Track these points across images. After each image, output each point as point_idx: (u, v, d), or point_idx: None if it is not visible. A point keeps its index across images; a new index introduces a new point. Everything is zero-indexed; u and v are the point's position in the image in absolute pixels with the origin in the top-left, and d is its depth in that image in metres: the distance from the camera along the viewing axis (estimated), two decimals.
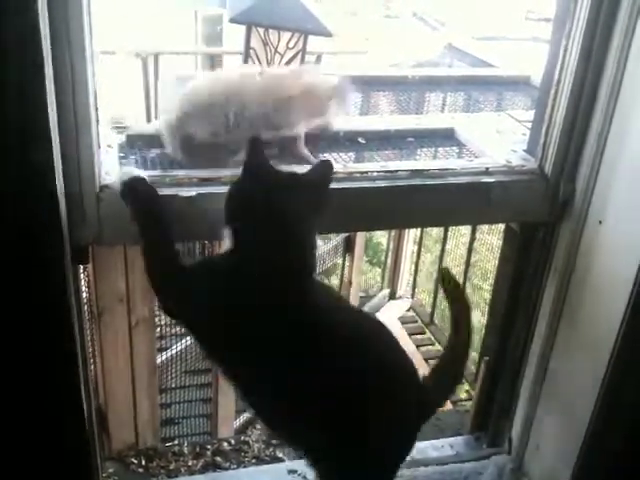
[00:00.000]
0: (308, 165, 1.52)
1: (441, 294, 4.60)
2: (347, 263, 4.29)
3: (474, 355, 4.10)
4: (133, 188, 1.42)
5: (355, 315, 1.50)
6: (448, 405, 3.77)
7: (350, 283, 4.13)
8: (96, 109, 1.41)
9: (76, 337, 1.47)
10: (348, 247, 4.16)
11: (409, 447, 1.47)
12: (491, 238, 4.14)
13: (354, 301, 4.22)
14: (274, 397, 1.34)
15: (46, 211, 1.29)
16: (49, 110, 1.24)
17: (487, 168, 1.73)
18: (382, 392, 1.36)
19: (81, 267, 1.68)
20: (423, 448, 2.16)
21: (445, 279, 1.55)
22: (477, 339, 4.36)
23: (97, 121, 1.43)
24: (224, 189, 1.52)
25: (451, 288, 1.54)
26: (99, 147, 1.47)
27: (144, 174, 1.46)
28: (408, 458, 1.58)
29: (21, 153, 1.22)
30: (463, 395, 4.07)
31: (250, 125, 1.61)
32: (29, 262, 1.30)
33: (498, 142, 1.91)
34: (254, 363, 1.32)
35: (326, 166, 1.45)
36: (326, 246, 4.13)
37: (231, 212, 1.36)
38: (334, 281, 4.99)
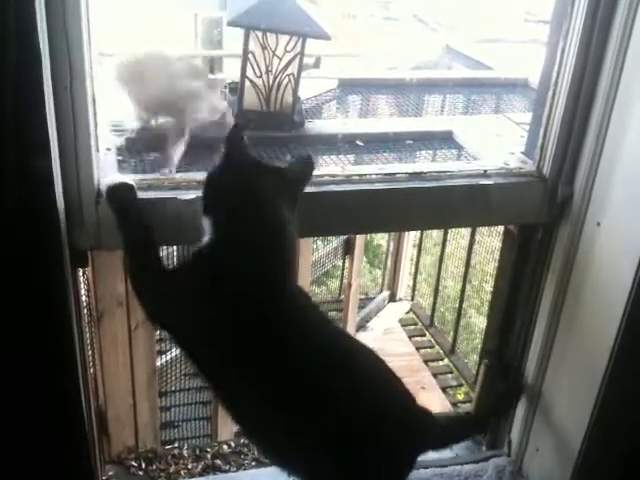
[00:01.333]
0: None
1: (441, 296, 4.61)
2: (347, 265, 4.29)
3: (474, 357, 4.12)
4: (113, 194, 1.41)
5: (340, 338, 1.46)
6: (448, 407, 3.79)
7: (350, 285, 4.13)
8: (94, 112, 1.41)
9: (76, 340, 1.47)
10: (348, 249, 4.16)
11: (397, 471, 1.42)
12: (491, 240, 4.13)
13: (354, 303, 4.22)
14: (254, 404, 1.31)
15: (46, 216, 1.30)
16: (48, 116, 1.24)
17: (485, 170, 1.73)
18: (364, 413, 1.32)
19: (80, 271, 1.68)
20: None
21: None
22: (478, 341, 4.37)
23: (95, 124, 1.44)
24: None
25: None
26: (97, 150, 1.47)
27: (130, 179, 1.46)
28: None
29: (21, 159, 1.22)
30: (462, 397, 4.08)
31: None
32: (28, 266, 1.30)
33: (496, 144, 1.91)
34: (233, 363, 1.30)
35: (308, 162, 1.45)
36: (326, 248, 4.13)
37: (211, 200, 1.35)
38: (334, 283, 5.00)
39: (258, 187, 1.34)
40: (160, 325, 1.42)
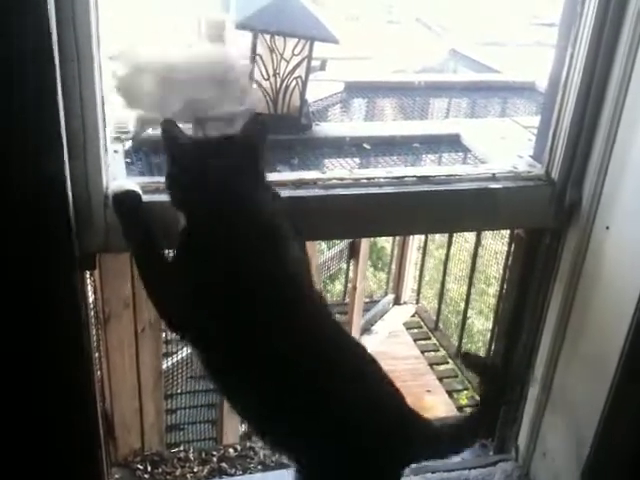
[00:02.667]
0: None
1: (445, 299, 4.60)
2: (352, 268, 4.28)
3: None
4: (118, 201, 1.41)
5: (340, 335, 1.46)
6: (454, 411, 3.78)
7: (355, 288, 4.12)
8: (103, 114, 1.41)
9: (84, 341, 1.47)
10: (353, 252, 4.15)
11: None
12: (495, 243, 4.13)
13: (359, 306, 4.21)
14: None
15: (56, 218, 1.30)
16: (61, 119, 1.24)
17: (494, 174, 1.73)
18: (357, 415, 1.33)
19: (87, 273, 1.68)
20: None
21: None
22: (481, 344, 4.36)
23: (104, 126, 1.43)
24: None
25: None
26: (106, 153, 1.47)
27: (136, 184, 1.45)
28: (413, 465, 1.57)
29: (33, 162, 1.22)
30: (465, 401, 4.07)
31: None
32: (37, 268, 1.30)
33: (504, 148, 1.91)
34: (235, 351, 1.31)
35: (258, 120, 1.43)
36: (331, 251, 4.13)
37: (177, 193, 1.36)
38: (339, 286, 4.99)
39: (217, 166, 1.34)
40: (176, 327, 1.42)
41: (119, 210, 1.40)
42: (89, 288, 1.80)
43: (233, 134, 1.43)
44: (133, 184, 1.44)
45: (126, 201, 1.41)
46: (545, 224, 1.79)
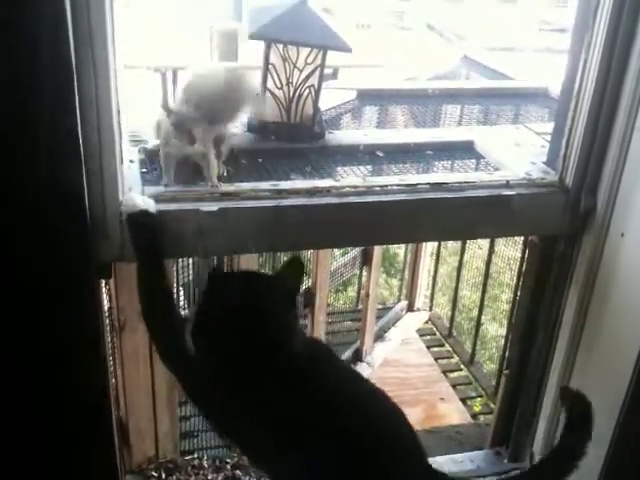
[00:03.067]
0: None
1: (459, 306, 4.59)
2: (364, 275, 4.28)
3: (493, 367, 4.10)
4: (135, 224, 1.43)
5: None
6: (468, 419, 3.76)
7: (368, 295, 4.12)
8: (119, 124, 1.43)
9: (100, 349, 1.48)
10: (366, 259, 4.15)
11: None
12: (508, 250, 4.11)
13: (372, 313, 4.21)
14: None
15: (73, 228, 1.31)
16: (78, 131, 1.26)
17: (507, 181, 1.73)
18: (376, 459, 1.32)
19: (103, 282, 1.70)
20: (443, 462, 2.15)
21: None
22: (494, 350, 4.33)
23: (120, 136, 1.45)
24: (245, 204, 1.55)
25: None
26: (122, 162, 1.48)
27: (151, 201, 1.47)
28: None
29: (50, 174, 1.24)
30: (479, 409, 4.04)
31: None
32: (55, 277, 1.31)
33: (517, 154, 1.91)
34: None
35: (298, 264, 1.45)
36: (344, 258, 4.13)
37: (205, 327, 1.34)
38: (351, 293, 4.99)
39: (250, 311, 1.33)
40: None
41: (132, 232, 1.43)
42: (105, 297, 1.82)
43: (273, 275, 1.46)
44: (148, 201, 1.46)
45: (140, 222, 1.42)
46: (559, 231, 1.79)
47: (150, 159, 1.74)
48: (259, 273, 1.43)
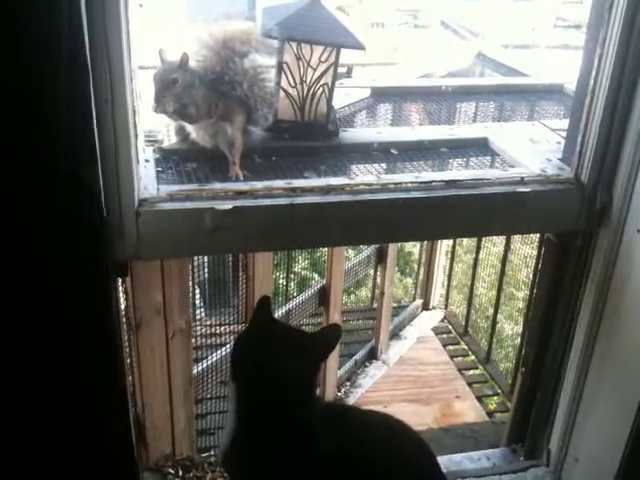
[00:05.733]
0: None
1: (474, 304, 4.57)
2: (379, 274, 4.27)
3: (509, 366, 4.08)
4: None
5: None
6: (484, 417, 3.74)
7: (383, 294, 4.11)
8: (135, 124, 1.44)
9: (116, 347, 1.49)
10: (380, 258, 4.14)
11: None
12: (524, 248, 4.08)
13: (387, 311, 4.20)
14: None
15: (91, 227, 1.32)
16: (94, 130, 1.27)
17: (522, 177, 1.72)
18: None
19: (119, 280, 1.71)
20: (460, 460, 2.15)
21: None
22: (511, 349, 4.31)
23: (136, 136, 1.46)
24: (260, 202, 1.55)
25: None
26: (138, 162, 1.50)
27: (168, 190, 1.50)
28: (445, 470, 1.57)
29: (68, 173, 1.25)
30: (494, 407, 4.03)
31: None
32: (74, 277, 1.33)
33: (532, 151, 1.90)
34: None
35: (336, 330, 1.49)
36: (358, 257, 4.12)
37: (234, 369, 1.42)
38: (366, 292, 4.98)
39: (277, 360, 1.36)
40: None
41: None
42: (121, 295, 1.84)
43: (312, 334, 1.49)
44: None
45: None
46: (575, 227, 1.78)
47: (165, 158, 1.76)
48: (297, 335, 1.49)
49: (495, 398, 4.08)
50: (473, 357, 4.39)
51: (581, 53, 1.70)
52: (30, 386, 1.39)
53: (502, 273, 3.94)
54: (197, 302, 3.21)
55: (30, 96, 1.18)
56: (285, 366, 1.35)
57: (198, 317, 3.29)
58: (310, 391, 1.43)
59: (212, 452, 2.51)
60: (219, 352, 2.83)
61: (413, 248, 6.02)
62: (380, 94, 2.51)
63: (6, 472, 1.45)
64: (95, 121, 1.32)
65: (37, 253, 1.28)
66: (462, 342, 4.58)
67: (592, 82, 1.64)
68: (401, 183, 1.66)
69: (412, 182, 1.67)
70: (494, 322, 4.14)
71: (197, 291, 3.11)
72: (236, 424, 1.41)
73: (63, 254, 1.29)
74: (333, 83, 1.86)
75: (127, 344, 1.98)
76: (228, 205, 1.53)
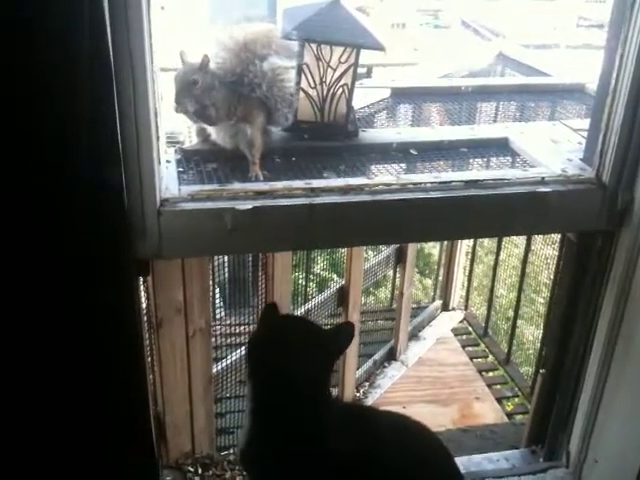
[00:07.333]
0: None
1: (494, 306, 4.55)
2: (398, 274, 4.26)
3: (529, 370, 4.05)
4: None
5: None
6: (503, 418, 3.72)
7: (402, 294, 4.10)
8: (157, 126, 1.45)
9: (138, 346, 1.51)
10: (399, 258, 4.13)
11: None
12: (545, 249, 4.05)
13: (406, 312, 4.20)
14: None
15: (114, 227, 1.34)
16: (117, 130, 1.29)
17: (543, 177, 1.71)
18: None
19: (141, 279, 1.73)
20: (479, 461, 2.14)
21: None
22: (531, 351, 4.28)
23: (157, 137, 1.48)
24: (279, 202, 1.56)
25: None
26: (159, 163, 1.51)
27: (190, 190, 1.52)
28: (463, 471, 1.57)
29: (92, 174, 1.27)
30: (511, 408, 4.00)
31: None
32: (95, 275, 1.34)
33: (553, 151, 1.89)
34: None
35: (351, 328, 1.50)
36: (376, 258, 4.12)
37: (249, 368, 1.45)
38: (384, 292, 4.97)
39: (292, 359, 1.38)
40: None
41: None
42: (142, 294, 1.86)
43: (326, 330, 1.51)
44: None
45: None
46: (596, 228, 1.77)
47: (186, 159, 1.77)
48: (311, 328, 1.51)
49: (515, 399, 4.05)
50: (493, 358, 4.37)
51: (603, 52, 1.69)
52: (51, 385, 1.41)
53: (523, 274, 3.91)
54: (217, 302, 3.22)
55: (54, 97, 1.20)
56: (299, 365, 1.36)
57: (218, 317, 3.31)
58: (325, 389, 1.44)
59: (231, 450, 2.52)
60: (238, 351, 2.85)
61: (433, 249, 5.99)
62: (400, 94, 2.51)
63: (27, 470, 1.47)
64: (118, 122, 1.34)
65: (59, 252, 1.30)
66: (482, 343, 4.56)
67: (613, 81, 1.63)
68: (420, 183, 1.67)
69: (431, 182, 1.67)
70: (514, 324, 4.11)
71: (217, 291, 3.13)
72: (253, 423, 1.42)
73: (86, 253, 1.31)
74: (353, 84, 1.86)
75: (148, 343, 2.00)
76: (248, 205, 1.54)
